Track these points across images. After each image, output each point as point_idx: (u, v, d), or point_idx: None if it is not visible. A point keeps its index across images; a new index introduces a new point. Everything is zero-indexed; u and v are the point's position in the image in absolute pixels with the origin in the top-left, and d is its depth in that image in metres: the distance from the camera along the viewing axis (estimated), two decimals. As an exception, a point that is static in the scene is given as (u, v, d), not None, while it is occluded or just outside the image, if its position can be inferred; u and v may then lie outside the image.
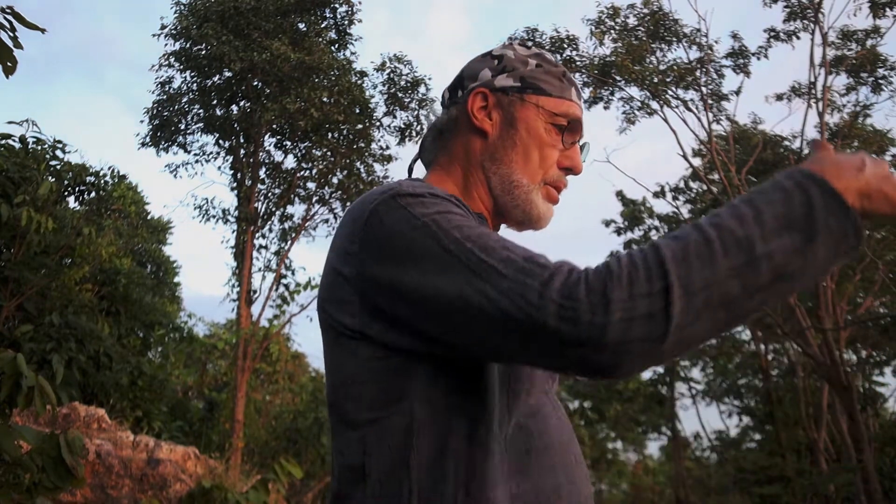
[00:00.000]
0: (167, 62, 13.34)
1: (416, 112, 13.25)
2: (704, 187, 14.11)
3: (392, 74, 13.08)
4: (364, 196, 0.88)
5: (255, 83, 13.11)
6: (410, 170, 1.10)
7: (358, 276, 0.82)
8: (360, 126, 13.03)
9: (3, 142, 8.23)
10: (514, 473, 0.82)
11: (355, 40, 13.72)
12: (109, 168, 10.19)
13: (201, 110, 13.59)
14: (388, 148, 13.67)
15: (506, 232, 1.06)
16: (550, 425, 0.89)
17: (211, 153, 14.05)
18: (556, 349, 0.69)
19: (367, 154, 13.46)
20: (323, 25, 13.45)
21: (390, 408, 0.81)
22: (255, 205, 13.43)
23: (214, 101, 13.53)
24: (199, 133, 13.87)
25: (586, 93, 11.84)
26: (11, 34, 2.28)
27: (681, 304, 0.65)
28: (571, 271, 0.70)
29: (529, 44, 1.06)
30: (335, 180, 13.66)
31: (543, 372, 0.92)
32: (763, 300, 0.68)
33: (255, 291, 13.17)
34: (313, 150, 13.40)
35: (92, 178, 9.33)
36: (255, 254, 13.42)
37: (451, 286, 0.74)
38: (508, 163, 0.98)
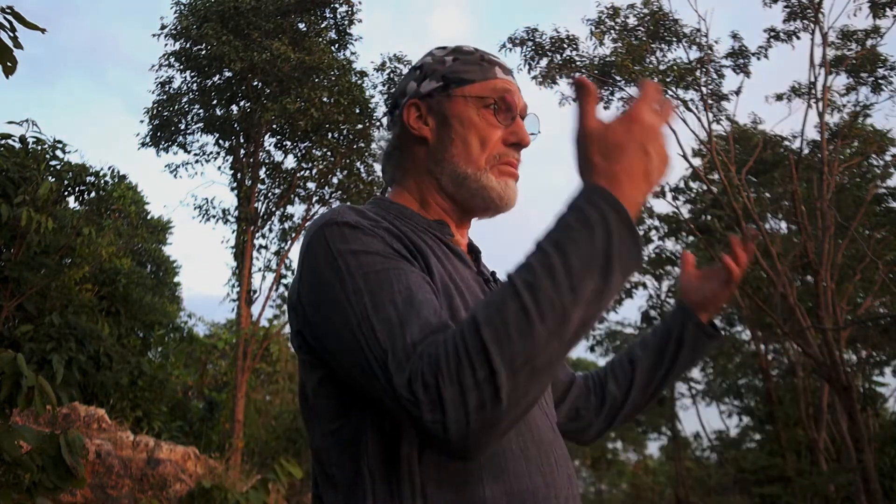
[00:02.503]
0: (167, 62, 13.35)
1: (416, 112, 13.26)
2: (704, 187, 14.11)
3: (392, 74, 13.09)
4: (311, 222, 0.93)
5: (255, 83, 13.11)
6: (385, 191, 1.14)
7: (297, 302, 0.89)
8: (360, 126, 13.03)
9: (3, 142, 8.22)
10: (484, 477, 0.81)
11: (355, 40, 13.74)
12: (109, 168, 10.19)
13: (201, 110, 13.59)
14: (388, 148, 13.68)
15: (481, 223, 1.09)
16: (533, 427, 0.88)
17: (211, 153, 14.07)
18: (414, 427, 0.72)
19: (367, 154, 13.46)
20: (323, 25, 13.45)
21: (342, 418, 0.85)
22: (255, 205, 13.43)
23: (214, 101, 13.53)
24: (199, 133, 13.88)
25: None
26: (11, 34, 2.28)
27: (508, 386, 0.68)
28: (422, 357, 0.71)
29: (446, 45, 1.09)
30: (335, 180, 13.67)
31: None
32: (572, 345, 0.72)
33: (255, 291, 13.17)
34: (313, 150, 13.40)
35: (92, 178, 9.32)
36: (255, 254, 13.43)
37: (342, 331, 0.80)
38: (450, 158, 1.00)
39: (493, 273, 1.08)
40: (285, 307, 14.45)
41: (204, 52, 12.75)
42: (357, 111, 12.80)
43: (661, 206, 25.25)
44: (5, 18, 2.26)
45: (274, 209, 13.77)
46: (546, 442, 0.89)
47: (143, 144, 13.60)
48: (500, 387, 0.67)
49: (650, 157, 0.75)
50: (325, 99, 12.27)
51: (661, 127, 0.77)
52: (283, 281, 13.89)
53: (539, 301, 0.69)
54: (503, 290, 0.72)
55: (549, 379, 0.71)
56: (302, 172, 13.77)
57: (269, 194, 13.84)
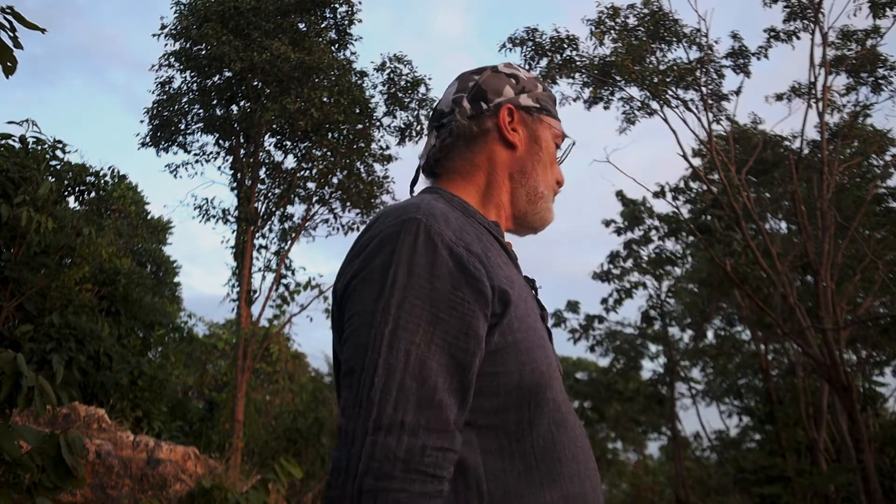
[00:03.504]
0: (167, 62, 13.34)
1: (416, 112, 13.24)
2: (704, 187, 14.10)
3: (392, 74, 13.07)
4: (392, 207, 0.90)
5: (255, 83, 13.10)
6: (415, 181, 1.12)
7: (345, 278, 0.89)
8: (360, 126, 13.02)
9: (3, 142, 8.22)
10: (545, 482, 0.83)
11: (355, 40, 13.72)
12: (109, 168, 10.20)
13: (201, 110, 13.58)
14: (388, 148, 13.68)
15: (510, 237, 1.11)
16: (577, 434, 0.91)
17: (211, 153, 14.05)
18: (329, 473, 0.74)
19: (367, 154, 13.45)
20: (323, 25, 13.44)
21: None
22: (255, 205, 13.42)
23: (214, 101, 13.52)
24: (199, 133, 13.86)
25: (586, 93, 11.85)
26: (11, 34, 2.28)
27: None
28: (411, 467, 0.73)
29: (525, 66, 1.13)
30: (335, 180, 13.66)
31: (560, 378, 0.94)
32: None
33: (255, 291, 13.16)
34: (313, 150, 13.40)
35: (92, 178, 9.33)
36: (255, 254, 13.42)
37: (358, 338, 0.80)
38: (535, 176, 1.07)
39: (532, 280, 1.07)
40: (285, 307, 14.55)
41: (204, 52, 12.75)
42: (357, 111, 12.79)
43: (661, 206, 25.22)
44: (5, 18, 2.26)
45: (274, 209, 13.76)
46: (587, 448, 0.92)
47: (143, 144, 13.59)
48: None
49: None
50: (325, 99, 12.26)
51: None
52: (283, 281, 13.90)
53: None
54: None
55: None
56: (302, 172, 13.76)
57: (269, 194, 13.84)
